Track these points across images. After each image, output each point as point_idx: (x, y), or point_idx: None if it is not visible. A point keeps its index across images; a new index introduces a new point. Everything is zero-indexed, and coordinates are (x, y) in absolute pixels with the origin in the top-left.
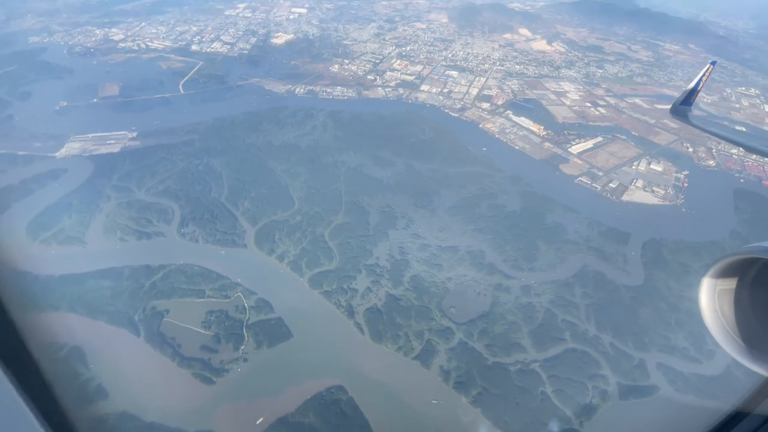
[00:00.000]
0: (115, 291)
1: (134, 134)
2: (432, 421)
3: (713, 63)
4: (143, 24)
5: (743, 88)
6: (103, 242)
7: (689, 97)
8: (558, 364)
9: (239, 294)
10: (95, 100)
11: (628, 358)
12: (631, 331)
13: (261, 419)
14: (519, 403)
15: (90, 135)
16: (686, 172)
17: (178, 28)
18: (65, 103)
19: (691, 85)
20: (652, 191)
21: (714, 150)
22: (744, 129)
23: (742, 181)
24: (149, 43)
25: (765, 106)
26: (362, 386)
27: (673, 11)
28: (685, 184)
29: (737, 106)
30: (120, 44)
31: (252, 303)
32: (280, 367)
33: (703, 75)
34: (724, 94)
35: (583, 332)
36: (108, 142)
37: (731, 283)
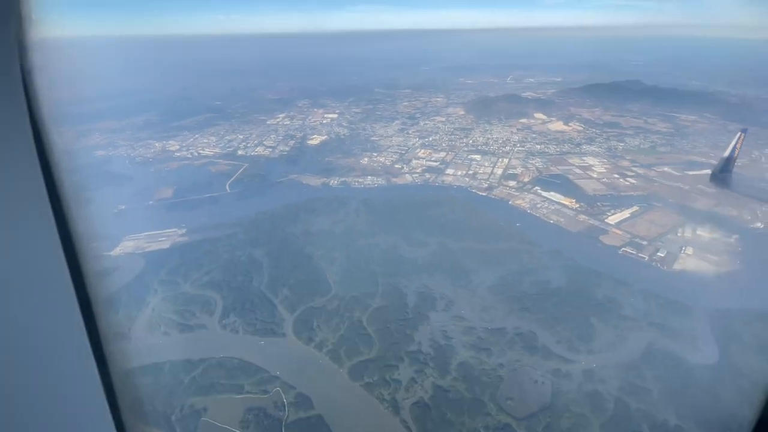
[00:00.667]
0: (154, 388)
1: (183, 230)
2: None
3: (744, 131)
4: (197, 135)
5: None
6: (147, 337)
7: (727, 164)
8: None
9: (278, 389)
10: (151, 202)
11: None
12: (717, 417)
13: None
14: None
15: (143, 234)
16: (737, 236)
17: (226, 137)
18: (123, 207)
19: (727, 153)
20: (705, 258)
21: (759, 212)
22: None
23: None
24: (201, 151)
25: None
26: None
27: (683, 86)
28: (739, 249)
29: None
30: (176, 153)
31: (291, 399)
32: None
33: (737, 142)
34: (753, 156)
35: (662, 423)
36: (159, 239)
37: None
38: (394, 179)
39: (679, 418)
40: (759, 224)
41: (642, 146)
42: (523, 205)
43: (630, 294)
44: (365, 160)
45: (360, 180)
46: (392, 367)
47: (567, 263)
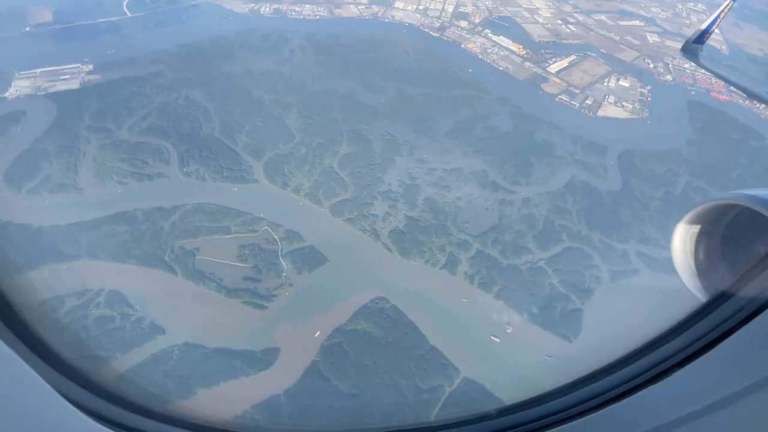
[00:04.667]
0: (133, 235)
1: (90, 67)
2: (465, 314)
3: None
4: None
5: (692, 4)
6: (101, 188)
7: (702, 36)
8: (559, 261)
9: (266, 227)
10: (27, 29)
11: (613, 250)
12: (615, 228)
13: (318, 332)
14: (533, 293)
15: (38, 70)
16: (649, 87)
17: None
18: None
19: (706, 24)
20: (622, 106)
21: (670, 65)
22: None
23: (693, 93)
24: None
25: None
26: (401, 295)
27: None
28: (649, 99)
29: (687, 21)
30: None
31: (281, 234)
32: (324, 288)
33: (721, 12)
34: (677, 10)
35: (576, 233)
36: (62, 77)
37: (703, 228)
38: (338, 10)
39: (588, 229)
40: (669, 77)
41: None
42: (475, 49)
43: (562, 137)
44: None
45: (297, 9)
46: (368, 204)
47: (513, 110)
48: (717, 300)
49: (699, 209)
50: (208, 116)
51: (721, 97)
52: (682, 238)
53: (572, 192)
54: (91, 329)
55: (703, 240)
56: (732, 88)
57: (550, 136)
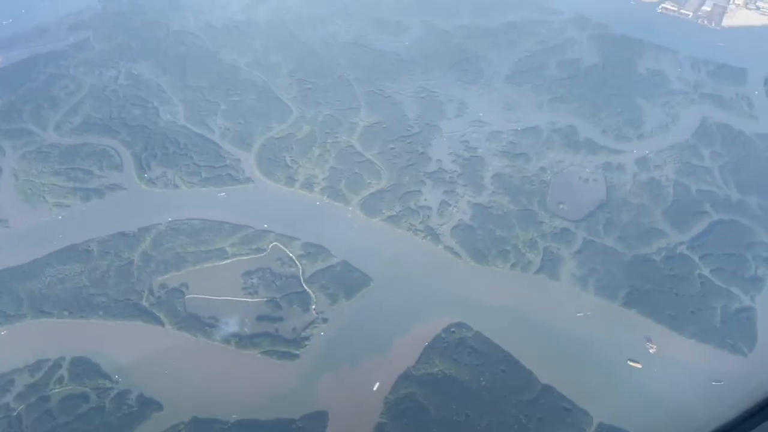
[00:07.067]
0: (91, 276)
1: None
2: (583, 333)
3: None
4: None
5: None
6: (33, 215)
7: None
8: (707, 242)
9: (275, 243)
10: None
11: None
12: None
13: (377, 384)
14: (678, 293)
15: None
16: None
17: None
18: None
19: None
20: (757, 8)
21: None
22: None
23: None
24: None
25: None
26: (486, 317)
27: None
28: None
29: None
30: None
31: (298, 251)
32: (372, 319)
33: None
34: None
35: (724, 199)
36: None
37: None
38: None
39: (740, 192)
40: None
41: None
42: None
43: (676, 63)
44: None
45: None
46: (414, 192)
47: (598, 32)
48: None
49: None
50: (164, 97)
51: None
52: None
53: (707, 141)
54: (56, 415)
55: None
56: None
57: (660, 64)
